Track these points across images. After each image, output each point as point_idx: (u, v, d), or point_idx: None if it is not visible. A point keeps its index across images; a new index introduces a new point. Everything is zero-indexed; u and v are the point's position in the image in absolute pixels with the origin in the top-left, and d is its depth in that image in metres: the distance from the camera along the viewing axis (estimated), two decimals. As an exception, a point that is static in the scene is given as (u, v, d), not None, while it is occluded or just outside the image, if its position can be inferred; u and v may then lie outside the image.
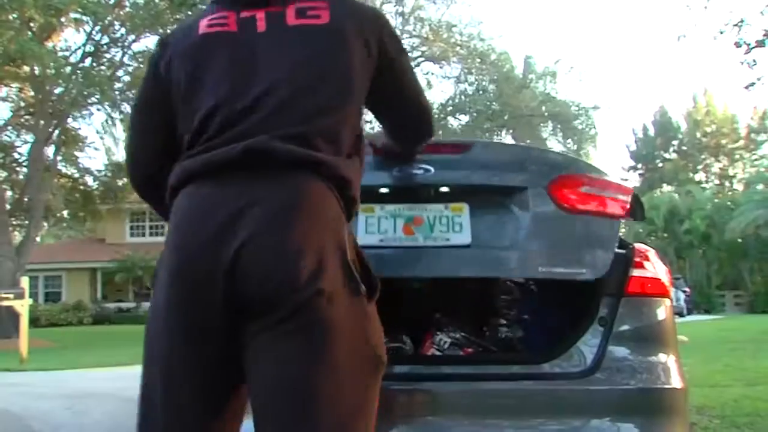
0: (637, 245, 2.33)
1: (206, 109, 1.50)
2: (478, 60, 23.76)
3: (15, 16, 16.94)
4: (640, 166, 50.08)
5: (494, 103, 24.53)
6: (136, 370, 1.53)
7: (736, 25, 9.16)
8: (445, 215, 2.20)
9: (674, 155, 48.90)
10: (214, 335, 1.36)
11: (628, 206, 2.27)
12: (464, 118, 25.52)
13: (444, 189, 2.22)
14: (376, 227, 2.19)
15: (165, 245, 1.44)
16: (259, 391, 1.34)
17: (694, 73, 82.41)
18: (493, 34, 33.51)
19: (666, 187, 46.11)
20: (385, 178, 2.20)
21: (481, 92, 24.81)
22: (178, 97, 1.59)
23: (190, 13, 18.69)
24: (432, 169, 2.17)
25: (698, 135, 46.80)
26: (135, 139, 1.82)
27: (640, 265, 2.26)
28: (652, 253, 2.34)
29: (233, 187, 1.39)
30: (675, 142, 48.78)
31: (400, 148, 2.07)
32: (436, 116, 24.61)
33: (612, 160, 77.27)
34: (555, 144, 29.76)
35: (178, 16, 18.82)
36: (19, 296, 13.78)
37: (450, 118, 25.58)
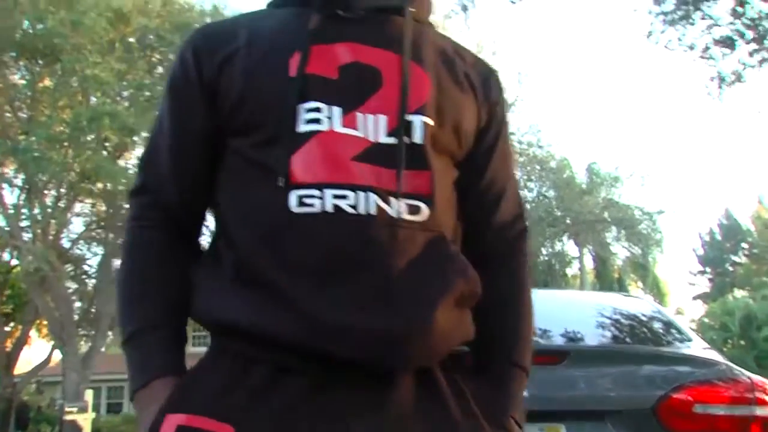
0: (755, 377, 2.07)
1: None
2: (538, 167, 23.78)
3: (92, 137, 17.86)
4: (708, 270, 48.41)
5: (556, 209, 24.32)
6: None
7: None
8: None
9: (744, 259, 47.20)
10: None
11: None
12: (525, 225, 25.34)
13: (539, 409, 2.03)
14: None
15: None
16: None
17: (756, 176, 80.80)
18: (552, 140, 33.67)
19: (738, 292, 44.23)
20: None
21: (541, 198, 24.68)
22: None
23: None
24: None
25: (769, 237, 45.29)
26: None
27: (764, 402, 2.00)
28: (773, 385, 2.08)
29: None
30: (745, 246, 47.22)
31: None
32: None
33: (679, 264, 75.43)
34: (620, 249, 29.17)
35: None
36: (83, 410, 13.82)
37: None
